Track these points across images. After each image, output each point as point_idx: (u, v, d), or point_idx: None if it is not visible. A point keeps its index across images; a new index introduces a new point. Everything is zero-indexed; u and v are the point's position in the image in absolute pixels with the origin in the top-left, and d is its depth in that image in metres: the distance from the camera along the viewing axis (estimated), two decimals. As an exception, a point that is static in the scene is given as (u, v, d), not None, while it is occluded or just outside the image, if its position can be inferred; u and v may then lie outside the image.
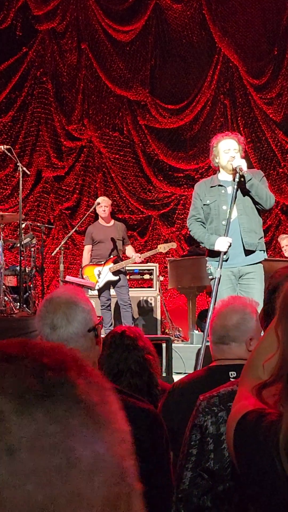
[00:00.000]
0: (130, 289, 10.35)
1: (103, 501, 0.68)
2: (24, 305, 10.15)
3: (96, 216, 10.97)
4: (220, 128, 14.03)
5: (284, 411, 1.37)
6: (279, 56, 14.17)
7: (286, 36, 14.13)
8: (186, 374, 8.16)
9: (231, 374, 2.95)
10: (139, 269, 11.34)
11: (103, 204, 9.91)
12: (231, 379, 2.90)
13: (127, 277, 10.24)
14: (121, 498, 0.71)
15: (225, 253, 5.96)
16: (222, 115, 14.26)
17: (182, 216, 13.74)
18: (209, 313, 5.93)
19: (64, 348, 0.78)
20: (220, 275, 5.90)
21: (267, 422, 1.40)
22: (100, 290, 9.79)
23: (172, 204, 14.16)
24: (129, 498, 0.73)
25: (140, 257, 9.76)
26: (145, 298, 11.10)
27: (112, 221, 10.05)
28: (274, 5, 14.16)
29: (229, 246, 5.97)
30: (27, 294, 10.70)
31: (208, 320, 5.95)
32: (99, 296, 9.89)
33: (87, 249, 10.04)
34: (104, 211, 9.89)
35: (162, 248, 9.93)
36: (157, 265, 11.63)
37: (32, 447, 0.66)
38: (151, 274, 11.35)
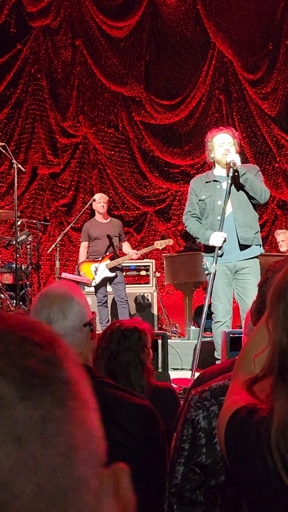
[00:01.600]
0: (126, 285, 10.34)
1: (99, 481, 0.67)
2: (21, 303, 10.15)
3: (92, 213, 10.95)
4: (216, 123, 14.02)
5: (275, 406, 1.36)
6: (274, 50, 14.16)
7: (280, 30, 14.12)
8: (182, 370, 8.19)
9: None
10: (136, 266, 11.34)
11: (101, 200, 9.90)
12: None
13: (124, 273, 10.24)
14: (110, 475, 0.70)
15: (220, 248, 5.95)
16: (217, 111, 14.26)
17: (178, 212, 13.74)
18: (205, 309, 5.94)
19: (40, 323, 0.74)
20: (216, 270, 5.89)
21: (258, 418, 1.40)
22: (97, 287, 9.78)
23: (168, 200, 14.17)
24: (116, 473, 0.71)
25: (136, 254, 9.75)
26: (141, 294, 11.10)
27: (109, 218, 10.05)
28: (268, 0, 14.15)
29: (224, 241, 5.96)
30: (24, 291, 10.70)
31: (203, 316, 5.96)
32: (95, 292, 9.89)
33: (83, 245, 10.03)
34: (103, 207, 9.88)
35: (159, 244, 9.92)
36: (153, 261, 11.62)
37: (39, 434, 0.63)
38: (147, 270, 11.34)
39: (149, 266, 11.35)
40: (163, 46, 14.24)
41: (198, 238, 6.33)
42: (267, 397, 1.41)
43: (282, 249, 11.17)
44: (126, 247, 9.96)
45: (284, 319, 1.39)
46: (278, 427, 1.34)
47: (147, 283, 11.34)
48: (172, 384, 6.33)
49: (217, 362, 5.68)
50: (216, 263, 5.90)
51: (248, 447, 1.41)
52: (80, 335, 2.43)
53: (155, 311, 11.02)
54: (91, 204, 10.33)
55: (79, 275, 10.06)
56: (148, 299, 11.08)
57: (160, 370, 6.33)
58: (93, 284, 9.73)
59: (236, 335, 5.61)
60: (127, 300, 9.85)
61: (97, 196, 10.04)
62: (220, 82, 14.31)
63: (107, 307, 9.93)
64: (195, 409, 2.04)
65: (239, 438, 1.44)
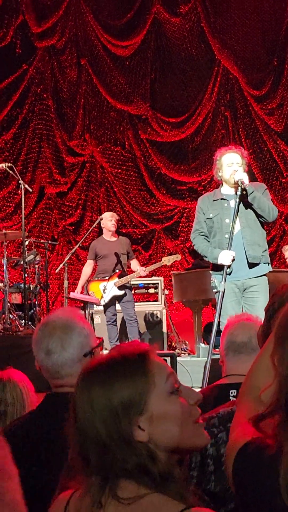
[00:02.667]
0: (135, 303, 10.33)
1: None
2: (29, 322, 10.15)
3: (100, 231, 10.95)
4: (222, 140, 14.05)
5: (284, 445, 1.34)
6: (279, 66, 14.18)
7: (285, 46, 14.14)
8: (192, 388, 8.15)
9: (231, 393, 2.94)
10: (144, 283, 11.33)
11: (113, 218, 9.94)
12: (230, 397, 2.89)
13: (132, 291, 10.22)
14: None
15: (228, 266, 5.94)
16: (223, 127, 14.27)
17: (186, 229, 13.73)
18: (214, 327, 5.92)
19: None
20: (224, 289, 5.88)
21: (267, 455, 1.37)
22: (106, 306, 9.77)
23: (175, 217, 14.16)
24: None
25: (145, 271, 9.74)
26: (150, 312, 11.09)
27: (117, 236, 10.06)
28: (273, 16, 14.19)
29: (233, 259, 5.95)
30: (32, 311, 10.71)
31: (213, 334, 5.94)
32: (104, 311, 9.88)
33: (88, 263, 10.06)
34: (114, 225, 9.92)
35: (167, 260, 9.91)
36: (162, 278, 11.62)
37: None
38: (156, 288, 11.34)
39: (157, 283, 11.35)
40: (168, 64, 14.28)
41: (206, 257, 6.32)
42: (273, 431, 1.38)
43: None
44: (134, 264, 9.96)
45: None
46: (285, 468, 1.32)
47: (156, 300, 11.33)
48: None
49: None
50: (225, 281, 5.88)
51: (257, 483, 1.39)
52: (79, 366, 2.39)
53: (164, 328, 11.01)
54: (99, 223, 10.35)
55: (88, 294, 10.06)
56: (157, 317, 11.08)
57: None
58: (102, 303, 9.73)
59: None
60: (136, 319, 9.84)
61: (107, 214, 10.06)
62: (226, 98, 14.33)
63: (116, 325, 9.92)
64: (203, 436, 2.01)
65: (248, 474, 1.42)
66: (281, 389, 1.36)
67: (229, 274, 6.01)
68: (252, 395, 1.57)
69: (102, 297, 9.69)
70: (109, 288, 9.67)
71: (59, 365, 2.44)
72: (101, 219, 10.25)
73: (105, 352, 6.82)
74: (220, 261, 5.99)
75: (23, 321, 10.06)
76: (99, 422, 1.46)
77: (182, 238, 13.95)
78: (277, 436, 1.37)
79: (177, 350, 11.00)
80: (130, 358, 1.51)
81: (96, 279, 9.91)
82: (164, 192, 14.20)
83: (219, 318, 6.01)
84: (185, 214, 14.06)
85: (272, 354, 1.43)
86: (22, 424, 2.45)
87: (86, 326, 2.54)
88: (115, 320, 9.90)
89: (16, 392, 2.97)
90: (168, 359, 6.40)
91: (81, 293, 9.93)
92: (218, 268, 6.08)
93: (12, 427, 2.46)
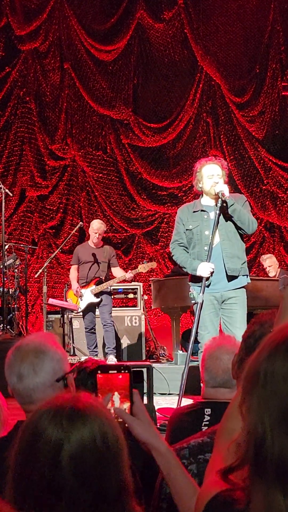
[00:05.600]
0: (114, 308, 10.34)
1: None
2: (8, 327, 10.13)
3: (81, 236, 10.97)
4: (203, 146, 14.10)
5: (251, 500, 1.30)
6: (261, 74, 14.23)
7: (267, 54, 14.20)
8: (170, 395, 8.18)
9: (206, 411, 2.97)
10: (123, 289, 11.36)
11: (98, 232, 9.88)
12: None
13: (112, 296, 10.23)
14: None
15: (207, 278, 5.97)
16: (205, 133, 14.31)
17: (166, 234, 13.76)
18: (192, 336, 5.96)
19: None
20: (203, 300, 5.91)
21: (235, 510, 1.34)
22: (83, 313, 9.78)
23: (156, 222, 14.18)
24: None
25: (131, 275, 9.76)
26: (129, 317, 11.10)
27: (101, 244, 10.04)
28: (255, 24, 14.24)
29: (212, 272, 5.98)
30: (11, 315, 10.68)
31: (191, 343, 5.97)
32: (83, 318, 9.89)
33: (73, 268, 10.02)
34: (97, 238, 9.88)
35: (142, 268, 9.93)
36: (141, 284, 11.64)
37: None
38: (135, 293, 11.37)
39: (137, 289, 11.37)
40: (151, 69, 14.30)
41: (185, 268, 6.34)
42: (243, 483, 1.34)
43: (271, 274, 11.18)
44: (118, 272, 9.93)
45: (259, 408, 1.30)
46: None
47: (135, 306, 11.35)
48: (158, 414, 6.34)
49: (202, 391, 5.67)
50: (203, 293, 5.91)
51: None
52: (51, 391, 2.41)
53: (143, 334, 11.02)
54: (80, 227, 10.35)
55: (66, 300, 10.07)
56: (136, 322, 11.09)
57: (145, 402, 6.32)
58: (79, 310, 9.74)
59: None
60: (111, 323, 9.83)
61: (95, 225, 9.98)
62: (208, 105, 14.36)
63: (94, 333, 9.92)
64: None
65: None
66: (249, 441, 1.30)
67: (208, 286, 6.04)
68: (229, 438, 1.54)
69: (79, 303, 9.71)
70: (85, 296, 9.68)
71: (30, 389, 2.43)
72: (82, 224, 10.26)
73: (83, 359, 6.77)
74: (199, 273, 6.01)
75: (2, 325, 10.04)
76: None
77: (162, 243, 13.97)
78: (246, 489, 1.33)
79: (155, 356, 11.05)
80: None
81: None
82: (145, 197, 14.22)
83: (197, 329, 6.04)
84: (165, 220, 14.09)
85: (240, 403, 1.38)
86: None
87: (59, 350, 2.54)
88: (93, 328, 9.90)
89: None
90: (145, 370, 6.43)
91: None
92: (197, 279, 6.10)
93: None
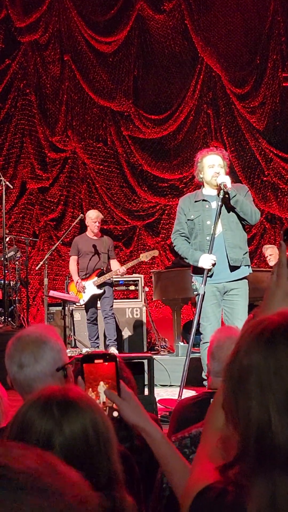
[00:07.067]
0: (115, 300, 10.34)
1: None
2: (9, 319, 10.14)
3: (81, 228, 10.96)
4: (204, 137, 14.07)
5: (251, 492, 1.29)
6: (262, 65, 14.19)
7: (268, 45, 14.16)
8: (171, 387, 8.19)
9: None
10: (125, 281, 11.35)
11: (97, 220, 9.87)
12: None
13: (113, 288, 10.23)
14: None
15: (209, 270, 5.97)
16: (205, 125, 14.27)
17: (167, 226, 13.75)
18: (193, 327, 5.97)
19: None
20: (205, 292, 5.91)
21: (226, 504, 1.32)
22: (86, 305, 9.78)
23: (157, 214, 14.17)
24: None
25: (124, 270, 9.75)
26: (130, 309, 11.11)
27: (100, 235, 10.03)
28: (256, 15, 14.19)
29: (213, 264, 5.98)
30: (12, 307, 10.70)
31: (192, 334, 5.98)
32: (86, 310, 9.89)
33: (73, 259, 9.99)
34: (97, 226, 9.87)
35: (144, 256, 9.92)
36: (142, 276, 11.63)
37: None
38: (136, 285, 11.36)
39: (138, 281, 11.37)
40: (152, 61, 14.27)
41: (186, 259, 6.34)
42: (235, 478, 1.32)
43: (271, 263, 11.19)
44: (114, 265, 9.93)
45: (261, 396, 1.29)
46: None
47: (136, 297, 11.35)
48: (159, 405, 6.34)
49: (204, 382, 5.68)
50: (205, 284, 5.91)
51: None
52: (51, 381, 2.41)
53: (144, 325, 11.03)
54: (80, 219, 10.34)
55: (68, 293, 10.06)
56: (137, 314, 11.10)
57: (146, 394, 6.33)
58: (82, 302, 9.73)
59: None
60: (112, 315, 9.83)
61: (93, 214, 9.97)
62: (208, 96, 14.33)
63: (96, 324, 9.91)
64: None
65: None
66: (249, 432, 1.29)
67: (210, 276, 6.04)
68: (216, 426, 1.54)
69: (82, 297, 9.70)
70: (88, 288, 9.68)
71: (31, 379, 2.42)
72: (82, 216, 10.24)
73: (84, 350, 6.81)
74: (201, 264, 6.02)
75: (3, 317, 10.06)
76: None
77: (163, 235, 13.96)
78: (240, 483, 1.31)
79: (156, 347, 11.06)
80: None
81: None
82: (146, 189, 14.21)
83: (199, 320, 6.06)
84: (166, 211, 14.08)
85: (223, 404, 1.38)
86: None
87: (59, 341, 2.54)
88: (95, 319, 9.90)
89: None
90: (146, 361, 6.44)
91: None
92: (199, 270, 6.10)
93: None
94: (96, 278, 9.66)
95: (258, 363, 1.31)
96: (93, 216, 9.90)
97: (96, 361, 1.92)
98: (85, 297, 9.70)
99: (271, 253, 11.32)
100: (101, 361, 1.91)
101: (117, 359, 1.92)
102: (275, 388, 1.28)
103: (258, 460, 1.28)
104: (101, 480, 1.50)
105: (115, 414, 1.88)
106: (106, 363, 1.91)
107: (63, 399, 1.56)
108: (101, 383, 1.90)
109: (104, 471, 1.52)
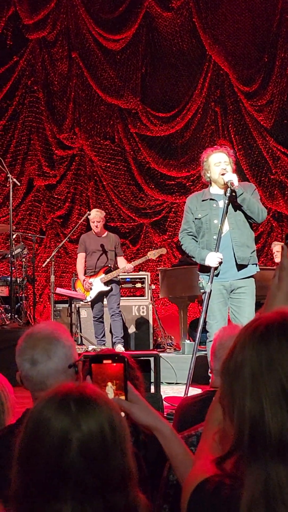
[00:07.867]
0: (122, 298, 10.33)
1: None
2: (16, 316, 10.16)
3: (88, 225, 10.95)
4: (211, 135, 14.06)
5: (245, 482, 1.34)
6: (269, 63, 14.17)
7: (276, 43, 14.13)
8: (177, 385, 8.20)
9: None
10: (131, 278, 11.36)
11: (95, 220, 9.84)
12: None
13: (120, 286, 10.23)
14: None
15: (215, 268, 5.97)
16: (213, 123, 14.26)
17: (174, 223, 13.75)
18: (200, 325, 5.97)
19: None
20: (211, 290, 5.91)
21: (225, 495, 1.37)
22: (93, 302, 9.77)
23: (163, 212, 14.17)
24: None
25: (131, 267, 9.74)
26: (137, 307, 11.12)
27: (106, 233, 10.02)
28: (264, 13, 14.17)
29: (220, 262, 5.98)
30: (19, 304, 10.72)
31: (198, 332, 5.99)
32: (92, 308, 9.88)
33: (80, 256, 9.97)
34: (97, 226, 9.85)
35: (152, 254, 9.89)
36: (148, 273, 11.63)
37: None
38: (143, 282, 11.36)
39: (144, 278, 11.37)
40: (159, 58, 14.26)
41: (193, 258, 6.33)
42: (231, 470, 1.39)
43: (277, 259, 11.19)
44: (121, 262, 9.92)
45: (254, 389, 1.37)
46: (247, 503, 1.32)
47: (143, 295, 11.36)
48: (165, 403, 6.35)
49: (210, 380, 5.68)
50: (211, 282, 5.91)
51: None
52: (64, 377, 2.41)
53: (150, 323, 11.03)
54: (87, 217, 10.34)
55: (75, 290, 10.06)
56: (143, 312, 11.10)
57: (152, 391, 6.33)
58: (89, 299, 9.73)
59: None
60: (119, 313, 9.83)
61: (92, 214, 9.96)
62: (216, 94, 14.31)
63: (102, 322, 9.90)
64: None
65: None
66: (242, 423, 1.36)
67: (217, 275, 6.04)
68: (215, 426, 1.58)
69: (89, 294, 9.70)
70: (95, 285, 9.68)
71: (44, 376, 2.42)
72: (89, 213, 10.23)
73: (90, 348, 6.81)
74: (208, 262, 6.02)
75: (10, 314, 10.07)
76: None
77: (170, 233, 13.97)
78: (236, 475, 1.37)
79: (162, 345, 11.06)
80: None
81: (84, 275, 9.89)
82: (153, 186, 14.21)
83: (205, 318, 6.06)
84: (173, 209, 14.08)
85: (220, 398, 1.44)
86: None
87: (70, 338, 2.55)
88: (102, 317, 9.89)
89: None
90: (152, 359, 6.44)
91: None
92: (206, 269, 6.10)
93: None
94: (103, 275, 9.66)
95: (252, 356, 1.40)
96: (91, 217, 9.91)
97: (104, 361, 1.91)
98: (92, 294, 9.69)
99: (278, 249, 11.32)
100: (109, 361, 1.91)
101: (126, 360, 1.92)
102: (267, 380, 1.36)
103: (252, 449, 1.35)
104: (116, 477, 1.51)
105: (122, 414, 1.88)
106: (115, 364, 1.90)
107: (81, 396, 1.56)
108: (109, 384, 1.90)
109: (119, 468, 1.52)
